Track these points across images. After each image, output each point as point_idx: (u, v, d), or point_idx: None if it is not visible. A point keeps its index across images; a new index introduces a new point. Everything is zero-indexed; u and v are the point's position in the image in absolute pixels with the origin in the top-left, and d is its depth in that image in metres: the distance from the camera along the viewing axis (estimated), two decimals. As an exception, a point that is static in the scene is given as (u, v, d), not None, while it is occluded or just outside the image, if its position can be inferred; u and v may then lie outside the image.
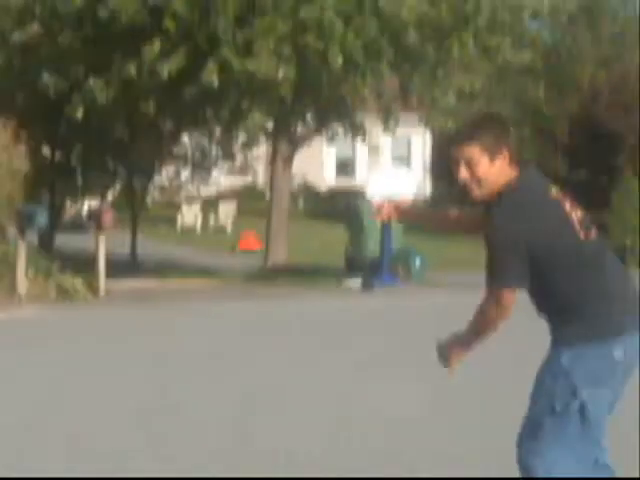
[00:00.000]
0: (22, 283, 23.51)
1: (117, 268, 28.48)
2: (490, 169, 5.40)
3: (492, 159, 5.39)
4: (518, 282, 5.33)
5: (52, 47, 29.90)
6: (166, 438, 9.99)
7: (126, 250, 35.70)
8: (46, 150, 34.53)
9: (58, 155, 35.40)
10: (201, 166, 39.62)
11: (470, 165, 5.42)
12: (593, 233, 5.48)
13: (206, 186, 45.88)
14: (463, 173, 5.46)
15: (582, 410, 5.30)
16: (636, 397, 7.53)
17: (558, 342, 5.45)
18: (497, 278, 5.34)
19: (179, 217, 52.33)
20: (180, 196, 49.13)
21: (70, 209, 43.72)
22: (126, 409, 11.35)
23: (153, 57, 27.45)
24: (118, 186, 39.14)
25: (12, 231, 25.92)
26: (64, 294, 24.17)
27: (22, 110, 30.05)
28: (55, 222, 35.71)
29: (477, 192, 5.49)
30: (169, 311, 22.80)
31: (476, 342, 5.64)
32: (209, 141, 38.07)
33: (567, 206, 5.45)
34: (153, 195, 43.87)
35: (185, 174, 41.27)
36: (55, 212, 36.02)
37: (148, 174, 37.72)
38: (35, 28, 29.67)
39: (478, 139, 5.43)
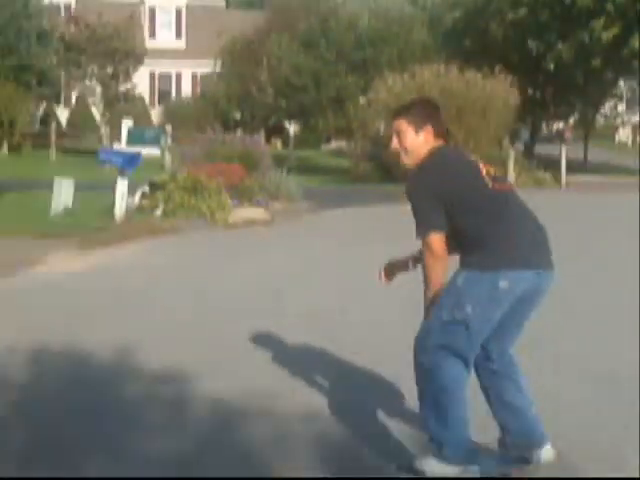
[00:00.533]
0: (510, 176, 25.24)
1: (572, 167, 29.84)
2: (415, 140, 4.89)
3: (417, 131, 4.87)
4: (438, 226, 4.75)
5: (534, 22, 32.24)
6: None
7: (580, 155, 36.22)
8: (530, 91, 35.05)
9: (537, 94, 36.42)
10: (631, 101, 40.54)
11: (399, 136, 4.93)
12: (506, 186, 4.95)
13: (633, 115, 46.31)
14: (394, 142, 4.97)
15: (465, 322, 4.71)
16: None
17: (460, 267, 4.84)
18: (421, 227, 4.79)
19: (616, 135, 51.90)
20: (617, 121, 47.58)
21: (545, 128, 44.16)
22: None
23: (599, 29, 30.30)
24: (576, 114, 39.74)
25: (505, 142, 28.63)
26: (537, 184, 26.39)
27: (514, 65, 31.30)
28: (534, 137, 37.53)
29: (405, 160, 4.97)
30: (606, 197, 23.48)
31: (430, 293, 4.89)
32: (639, 85, 38.80)
33: (481, 166, 4.90)
34: (599, 120, 42.64)
35: (620, 107, 41.61)
36: (534, 130, 37.75)
37: (596, 106, 38.30)
38: (523, 11, 32.28)
39: (406, 115, 4.95)
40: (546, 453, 5.03)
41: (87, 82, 45.73)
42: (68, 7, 50.94)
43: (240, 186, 19.57)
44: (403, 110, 5.06)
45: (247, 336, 8.11)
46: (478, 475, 4.87)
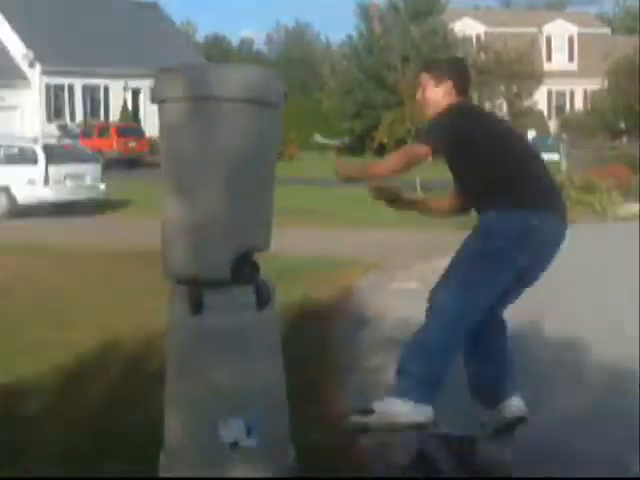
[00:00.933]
0: None
1: None
2: (434, 93, 4.28)
3: (437, 85, 4.27)
4: (436, 144, 4.04)
5: None
6: None
7: None
8: None
9: None
10: None
11: (422, 88, 4.36)
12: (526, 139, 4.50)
13: None
14: (418, 94, 4.41)
15: (495, 254, 4.03)
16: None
17: (487, 209, 4.13)
18: (425, 137, 4.11)
19: None
20: None
21: None
22: None
23: None
24: None
25: None
26: None
27: None
28: None
29: (426, 112, 4.36)
30: None
31: (369, 173, 4.28)
32: None
33: (502, 119, 4.23)
34: None
35: None
36: None
37: None
38: None
39: (428, 69, 4.39)
40: (515, 406, 4.21)
41: (495, 100, 46.15)
42: (479, 37, 51.54)
43: (627, 185, 19.22)
44: (427, 65, 4.54)
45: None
46: (430, 419, 3.98)
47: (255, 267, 3.65)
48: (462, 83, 4.34)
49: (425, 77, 4.36)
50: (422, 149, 4.07)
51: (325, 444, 4.61)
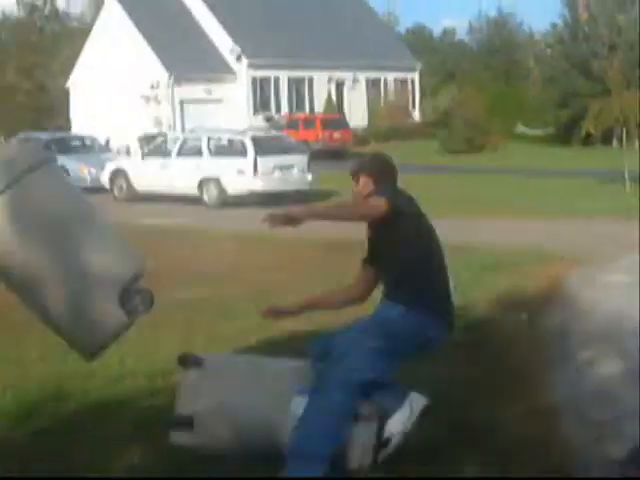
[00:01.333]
0: None
1: None
2: (356, 186, 4.35)
3: (357, 182, 4.35)
4: (390, 201, 4.01)
5: None
6: None
7: None
8: None
9: None
10: None
11: (355, 184, 4.36)
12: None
13: None
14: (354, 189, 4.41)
15: (388, 351, 3.98)
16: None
17: (395, 301, 4.15)
18: (378, 193, 4.11)
19: None
20: None
21: None
22: None
23: None
24: None
25: None
26: None
27: None
28: None
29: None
30: None
31: (322, 216, 4.44)
32: None
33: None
34: None
35: None
36: None
37: None
38: None
39: (351, 172, 4.41)
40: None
41: None
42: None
43: None
44: (351, 169, 4.46)
45: None
46: None
47: (148, 294, 3.60)
48: (383, 177, 4.34)
49: (352, 180, 4.42)
50: (379, 202, 4.07)
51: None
